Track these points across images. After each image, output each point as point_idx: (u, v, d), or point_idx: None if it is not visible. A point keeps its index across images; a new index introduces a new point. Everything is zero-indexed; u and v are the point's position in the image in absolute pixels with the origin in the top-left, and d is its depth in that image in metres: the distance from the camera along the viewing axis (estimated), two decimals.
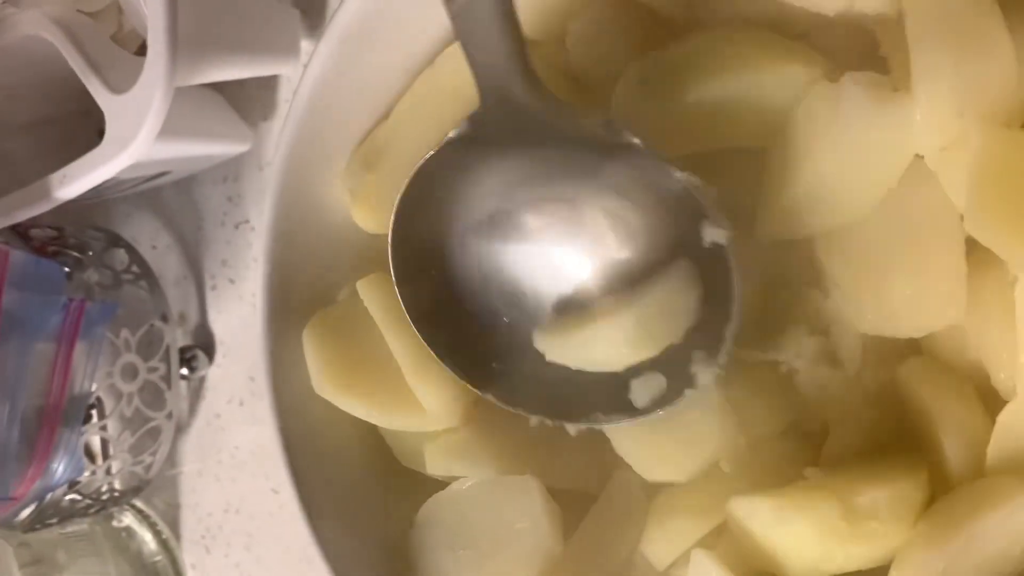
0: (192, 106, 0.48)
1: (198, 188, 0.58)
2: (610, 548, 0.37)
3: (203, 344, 0.58)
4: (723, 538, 0.35)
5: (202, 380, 0.59)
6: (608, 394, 0.34)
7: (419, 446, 0.39)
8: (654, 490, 0.37)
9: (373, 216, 0.39)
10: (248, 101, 0.53)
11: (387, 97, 0.39)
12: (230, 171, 0.55)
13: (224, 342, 0.58)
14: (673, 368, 0.33)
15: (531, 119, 0.31)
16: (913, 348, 0.34)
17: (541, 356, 0.35)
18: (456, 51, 0.37)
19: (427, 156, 0.33)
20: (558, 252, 0.34)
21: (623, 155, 0.31)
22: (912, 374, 0.33)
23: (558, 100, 0.31)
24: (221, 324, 0.58)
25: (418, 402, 0.38)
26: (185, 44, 0.40)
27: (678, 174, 0.31)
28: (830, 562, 0.31)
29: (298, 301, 0.40)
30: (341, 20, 0.36)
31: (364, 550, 0.39)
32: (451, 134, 0.33)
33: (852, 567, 0.31)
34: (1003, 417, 0.30)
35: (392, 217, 0.34)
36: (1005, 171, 0.27)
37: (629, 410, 0.34)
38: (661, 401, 0.34)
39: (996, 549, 0.29)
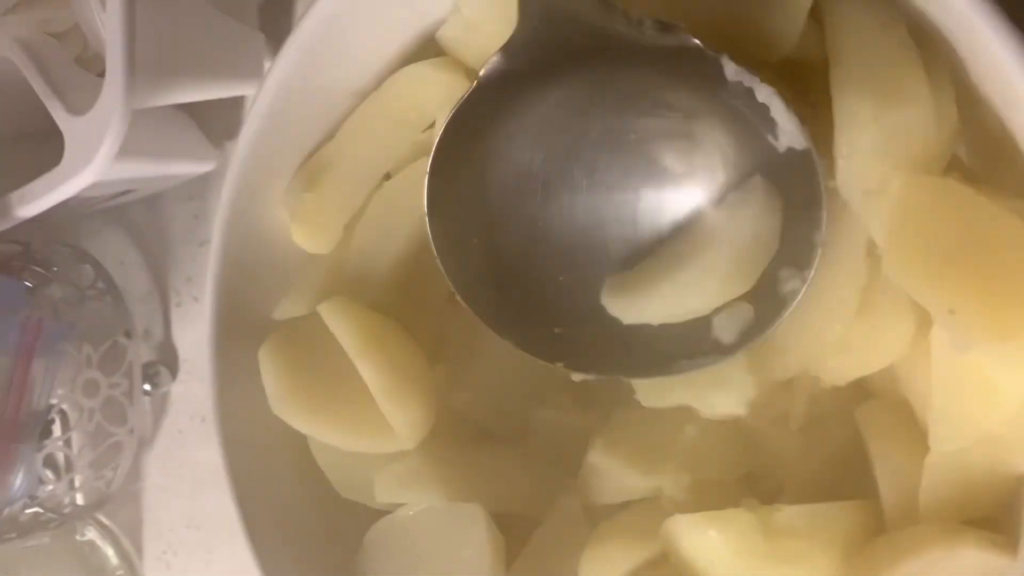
0: (155, 126, 0.49)
1: (165, 205, 0.58)
2: (552, 574, 0.37)
3: (167, 360, 0.58)
4: (660, 567, 0.35)
5: (165, 396, 0.59)
6: (690, 338, 0.31)
7: (362, 476, 0.39)
8: (597, 517, 0.38)
9: (312, 236, 0.39)
10: (214, 120, 0.53)
11: (336, 119, 0.39)
12: (196, 189, 0.56)
13: (188, 359, 0.58)
14: (759, 293, 0.30)
15: (579, 32, 0.28)
16: (864, 393, 0.33)
17: (609, 315, 0.31)
18: (402, 76, 0.38)
19: (457, 104, 0.30)
20: (617, 197, 0.31)
21: (680, 67, 0.28)
22: (860, 417, 0.33)
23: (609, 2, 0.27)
24: (185, 341, 0.58)
25: (379, 423, 0.37)
26: (144, 67, 0.41)
27: (742, 75, 0.27)
28: None
29: (248, 323, 0.40)
30: (294, 43, 0.37)
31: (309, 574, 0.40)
32: (482, 72, 0.29)
33: None
34: (929, 459, 0.30)
35: (425, 181, 0.31)
36: (922, 216, 0.28)
37: (717, 349, 0.30)
38: (751, 332, 0.30)
39: None
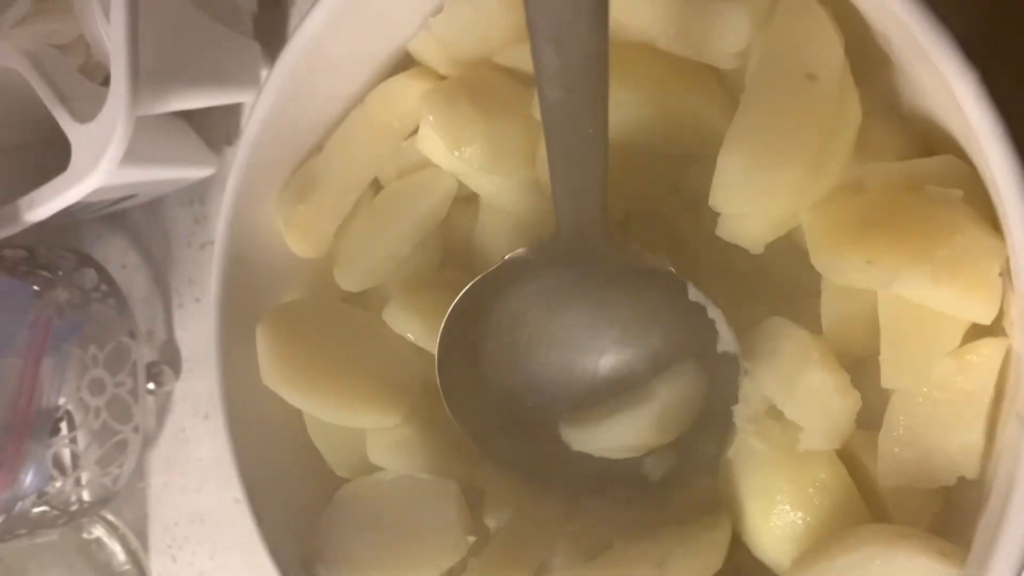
0: (156, 133, 0.51)
1: (166, 210, 0.60)
2: (524, 552, 0.39)
3: (169, 360, 0.60)
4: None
5: (168, 394, 0.61)
6: (625, 471, 0.39)
7: (356, 454, 0.41)
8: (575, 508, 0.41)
9: (306, 243, 0.42)
10: (213, 127, 0.55)
11: (326, 126, 0.41)
12: (196, 194, 0.58)
13: (190, 358, 0.60)
14: (685, 450, 0.38)
15: (597, 257, 0.35)
16: None
17: (564, 443, 0.40)
18: (384, 88, 0.40)
19: (486, 272, 0.37)
20: (584, 356, 0.40)
21: (656, 277, 0.36)
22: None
23: (624, 243, 0.36)
24: (187, 341, 0.60)
25: (368, 398, 0.40)
26: (146, 76, 0.43)
27: (700, 297, 0.35)
28: None
29: (248, 318, 0.42)
30: (288, 55, 0.39)
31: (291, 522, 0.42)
32: (511, 255, 0.37)
33: None
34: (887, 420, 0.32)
35: (444, 320, 0.38)
36: (820, 224, 0.33)
37: (644, 484, 0.39)
38: (673, 476, 0.39)
39: None
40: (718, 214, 0.36)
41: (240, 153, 0.40)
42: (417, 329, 0.40)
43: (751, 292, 0.38)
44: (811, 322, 0.35)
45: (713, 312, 0.35)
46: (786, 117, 0.32)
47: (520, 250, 0.36)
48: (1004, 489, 0.28)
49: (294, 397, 0.41)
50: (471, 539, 0.39)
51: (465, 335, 0.39)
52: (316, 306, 0.43)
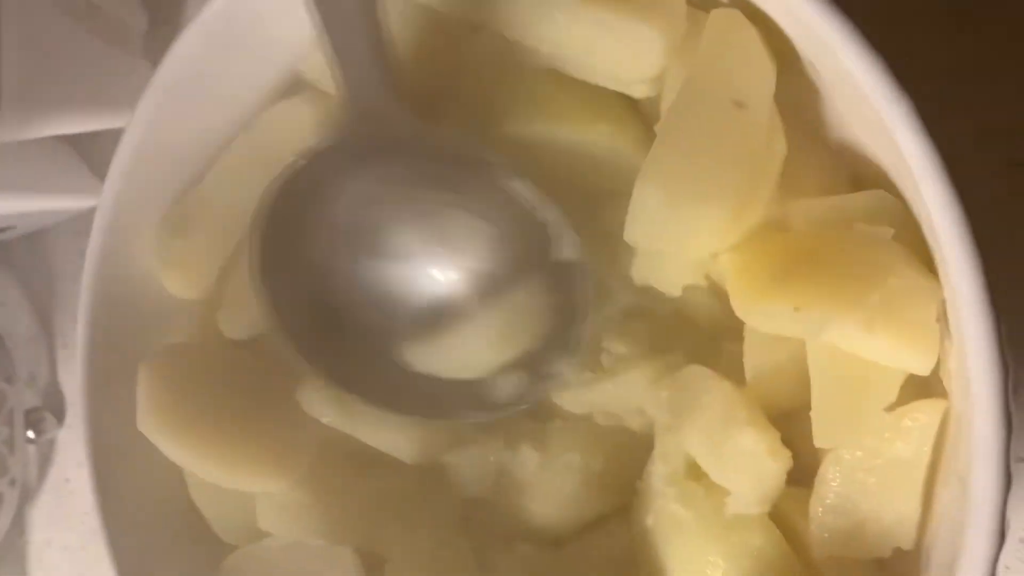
0: (30, 159, 0.47)
1: (50, 242, 0.56)
2: None
3: (52, 406, 0.55)
4: None
5: (51, 443, 0.56)
6: (474, 393, 0.35)
7: (242, 518, 0.37)
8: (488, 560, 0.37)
9: (185, 283, 0.38)
10: (99, 153, 0.51)
11: (210, 154, 0.38)
12: (82, 225, 0.53)
13: (75, 403, 0.55)
14: (533, 368, 0.35)
15: (394, 133, 0.32)
16: None
17: (407, 363, 0.35)
18: (271, 114, 0.37)
19: (292, 164, 0.33)
20: (420, 264, 0.35)
21: (480, 171, 0.33)
22: None
23: (417, 118, 0.32)
24: (72, 385, 0.56)
25: (253, 459, 0.36)
26: (10, 98, 0.39)
27: (527, 191, 0.32)
28: None
29: (123, 366, 0.38)
30: (162, 77, 0.35)
31: None
32: (314, 144, 0.33)
33: None
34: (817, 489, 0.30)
35: (253, 219, 0.34)
36: (759, 262, 0.30)
37: (493, 406, 0.35)
38: (522, 397, 0.35)
39: None
40: (633, 253, 0.34)
41: (109, 182, 0.36)
42: (332, 414, 0.36)
43: (670, 336, 0.36)
44: (735, 368, 0.32)
45: (547, 213, 0.33)
46: (711, 147, 0.29)
47: (323, 140, 0.33)
48: (947, 557, 0.25)
49: (174, 451, 0.36)
50: None
51: (288, 247, 0.34)
52: (207, 350, 0.38)
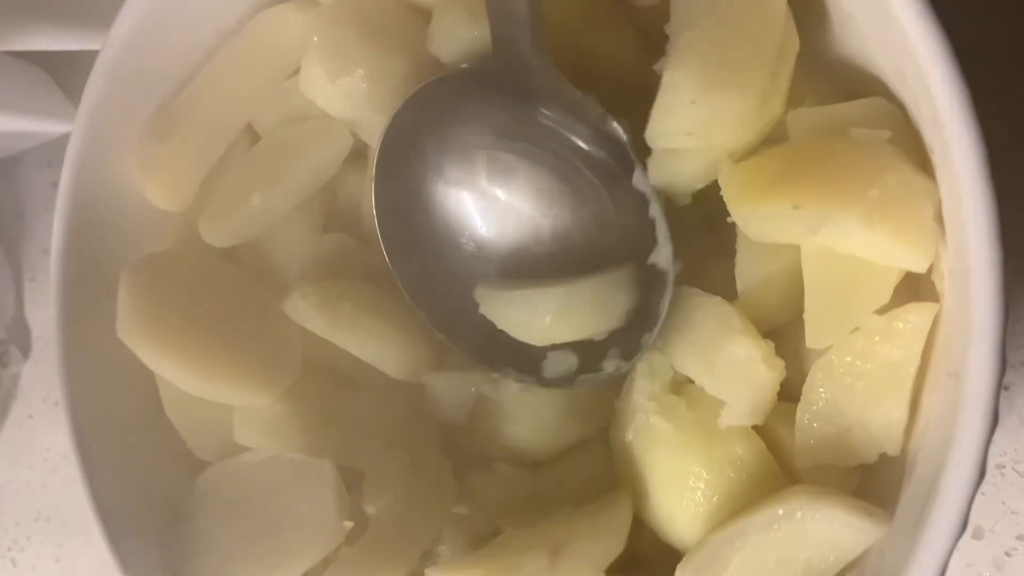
0: (1, 77, 0.45)
1: (20, 172, 0.54)
2: (405, 540, 0.35)
3: (18, 339, 0.54)
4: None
5: (15, 377, 0.54)
6: (526, 357, 0.35)
7: (217, 434, 0.36)
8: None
9: (166, 192, 0.37)
10: (75, 78, 0.50)
11: (195, 63, 0.37)
12: (55, 155, 0.52)
13: (41, 337, 0.54)
14: (588, 357, 0.34)
15: (532, 79, 0.32)
16: None
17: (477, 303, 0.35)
18: (263, 19, 0.36)
19: (431, 79, 0.33)
20: (523, 215, 0.35)
21: (607, 146, 0.33)
22: None
23: (558, 71, 0.32)
24: (39, 318, 0.54)
25: (237, 372, 0.35)
26: None
27: (644, 185, 0.32)
28: None
29: (99, 279, 0.36)
30: None
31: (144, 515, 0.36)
32: (463, 65, 0.34)
33: None
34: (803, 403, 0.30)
35: (380, 142, 0.34)
36: (758, 169, 0.30)
37: (538, 376, 0.35)
38: (567, 379, 0.35)
39: None
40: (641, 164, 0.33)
41: (92, 83, 0.35)
42: (320, 322, 0.35)
43: None
44: (725, 289, 0.32)
45: (655, 211, 0.32)
46: (739, 37, 0.28)
47: (463, 65, 0.34)
48: (936, 452, 0.25)
49: (156, 360, 0.35)
50: (348, 525, 0.34)
51: (404, 163, 0.34)
52: (190, 258, 0.37)
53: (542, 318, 0.33)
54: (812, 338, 0.29)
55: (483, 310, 0.35)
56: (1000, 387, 0.23)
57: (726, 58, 0.28)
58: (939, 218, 0.26)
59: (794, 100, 0.30)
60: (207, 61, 0.37)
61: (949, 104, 0.23)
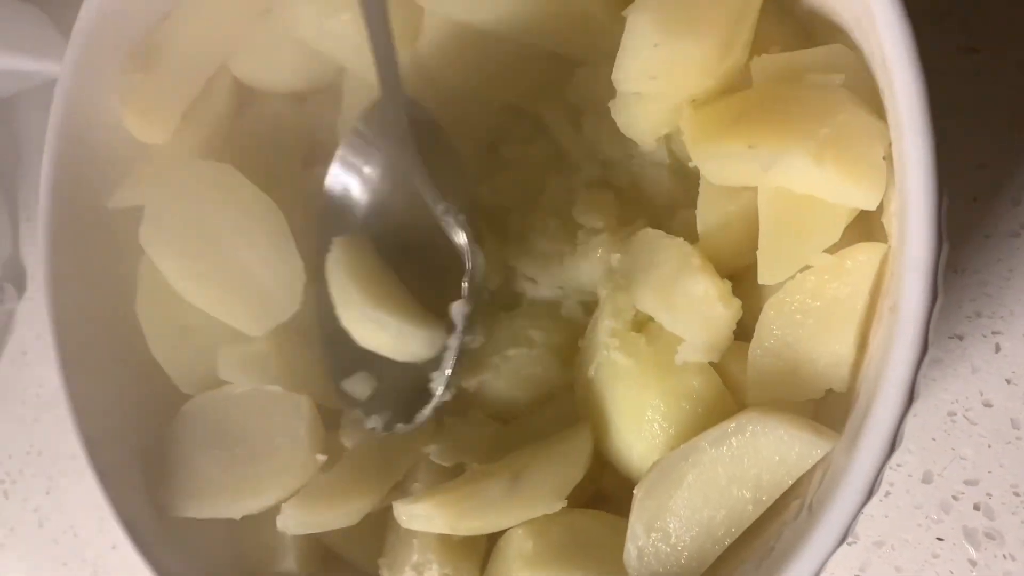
0: None
1: (18, 113, 0.55)
2: (378, 471, 0.36)
3: (13, 276, 0.55)
4: None
5: (10, 314, 0.56)
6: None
7: (202, 368, 0.38)
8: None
9: (146, 123, 0.37)
10: (72, 17, 0.50)
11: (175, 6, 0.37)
12: (51, 97, 0.53)
13: (37, 276, 0.55)
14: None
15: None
16: None
17: None
18: None
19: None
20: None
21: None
22: None
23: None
24: (35, 256, 0.55)
25: (242, 299, 0.36)
26: None
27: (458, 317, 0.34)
28: None
29: (86, 211, 0.38)
30: None
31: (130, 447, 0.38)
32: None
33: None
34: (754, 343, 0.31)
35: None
36: (717, 113, 0.31)
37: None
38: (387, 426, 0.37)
39: None
40: (601, 118, 0.34)
41: (80, 21, 0.36)
42: None
43: (627, 206, 0.36)
44: (687, 232, 0.33)
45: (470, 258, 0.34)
46: None
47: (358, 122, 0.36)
48: (874, 382, 0.26)
49: (172, 267, 0.36)
50: (322, 458, 0.36)
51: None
52: (217, 174, 0.37)
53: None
54: (764, 275, 0.29)
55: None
56: (932, 316, 0.24)
57: (690, 3, 0.29)
58: (890, 158, 0.27)
59: (758, 48, 0.31)
60: None
61: (893, 44, 0.24)
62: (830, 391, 0.29)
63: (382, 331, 0.35)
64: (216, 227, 0.36)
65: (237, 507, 0.35)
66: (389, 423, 0.36)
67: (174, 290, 0.37)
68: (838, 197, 0.28)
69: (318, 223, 0.37)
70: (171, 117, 0.37)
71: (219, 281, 0.36)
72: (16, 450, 0.56)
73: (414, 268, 0.37)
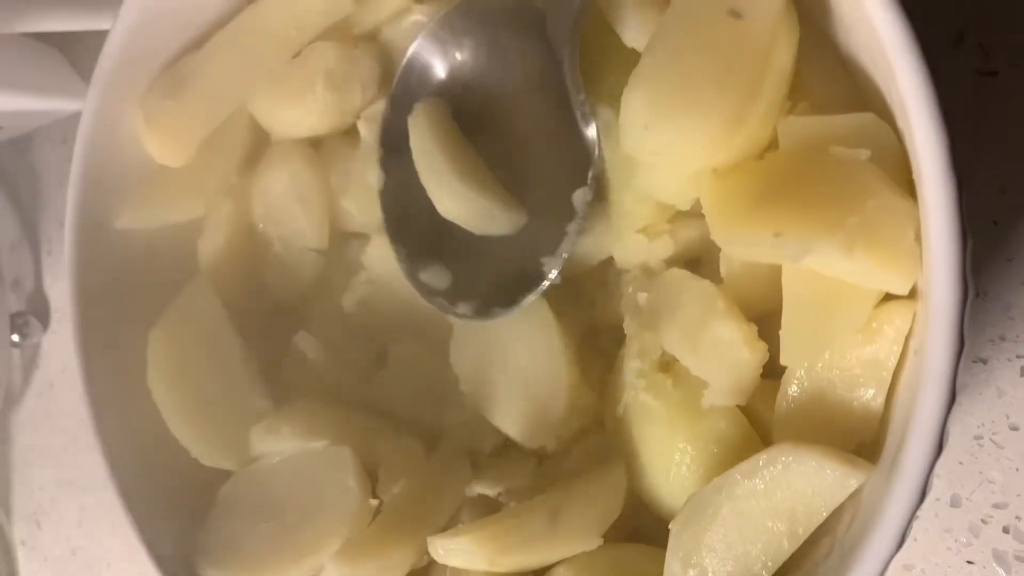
0: (15, 57, 0.47)
1: (35, 148, 0.56)
2: (425, 514, 0.36)
3: (37, 311, 0.56)
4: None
5: (36, 348, 0.56)
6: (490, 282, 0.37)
7: (226, 441, 0.38)
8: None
9: (166, 146, 0.38)
10: (88, 57, 0.51)
11: (204, 29, 0.38)
12: (69, 131, 0.53)
13: (59, 308, 0.56)
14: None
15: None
16: None
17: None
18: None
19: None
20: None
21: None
22: None
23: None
24: (57, 290, 0.56)
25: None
26: None
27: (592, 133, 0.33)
28: None
29: (109, 248, 0.38)
30: None
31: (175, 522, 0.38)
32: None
33: None
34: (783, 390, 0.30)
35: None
36: (738, 187, 0.30)
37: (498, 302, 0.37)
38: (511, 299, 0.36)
39: None
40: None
41: (102, 61, 0.36)
42: None
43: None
44: (712, 273, 0.33)
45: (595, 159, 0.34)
46: (699, 57, 0.29)
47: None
48: (901, 429, 0.26)
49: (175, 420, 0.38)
50: (374, 503, 0.36)
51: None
52: (206, 319, 0.40)
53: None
54: (787, 357, 0.29)
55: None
56: (959, 364, 0.24)
57: (682, 78, 0.29)
58: (919, 238, 0.26)
59: (795, 96, 0.30)
60: (226, 23, 0.38)
61: (913, 96, 0.24)
62: (860, 442, 0.29)
63: (466, 203, 0.35)
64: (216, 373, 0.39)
65: (298, 570, 0.35)
66: (481, 309, 0.36)
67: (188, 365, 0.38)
68: (870, 283, 0.27)
69: (396, 88, 0.37)
70: (190, 143, 0.38)
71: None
72: (47, 481, 0.57)
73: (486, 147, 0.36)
